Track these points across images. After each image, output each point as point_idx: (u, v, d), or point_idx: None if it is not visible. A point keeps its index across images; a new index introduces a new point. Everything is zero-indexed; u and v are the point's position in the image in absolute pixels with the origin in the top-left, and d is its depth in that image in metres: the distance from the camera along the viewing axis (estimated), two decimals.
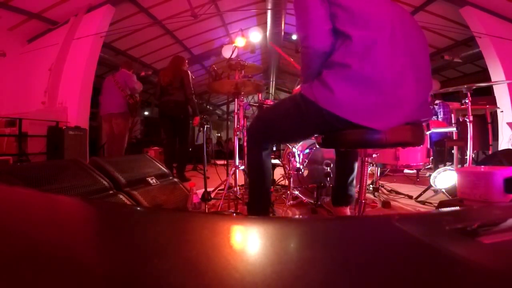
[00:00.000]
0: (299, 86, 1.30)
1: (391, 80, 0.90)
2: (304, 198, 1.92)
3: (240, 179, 2.13)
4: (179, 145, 3.35)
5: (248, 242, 0.31)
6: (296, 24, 1.02)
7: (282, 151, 2.76)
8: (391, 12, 0.96)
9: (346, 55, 0.91)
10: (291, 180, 1.90)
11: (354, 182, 1.47)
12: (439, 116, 3.55)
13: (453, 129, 3.00)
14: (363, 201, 1.15)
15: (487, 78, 4.58)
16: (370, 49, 0.90)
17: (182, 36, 6.31)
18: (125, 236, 0.31)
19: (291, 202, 1.91)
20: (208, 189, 1.74)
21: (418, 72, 0.96)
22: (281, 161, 2.28)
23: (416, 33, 0.99)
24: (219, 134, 12.15)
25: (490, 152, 3.83)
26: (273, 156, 2.41)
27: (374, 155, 1.14)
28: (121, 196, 1.34)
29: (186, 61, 3.46)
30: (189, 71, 3.31)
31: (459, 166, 3.28)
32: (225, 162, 3.27)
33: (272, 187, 2.41)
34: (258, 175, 1.27)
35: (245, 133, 2.04)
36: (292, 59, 1.90)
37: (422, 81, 0.97)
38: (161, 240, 0.29)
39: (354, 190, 1.49)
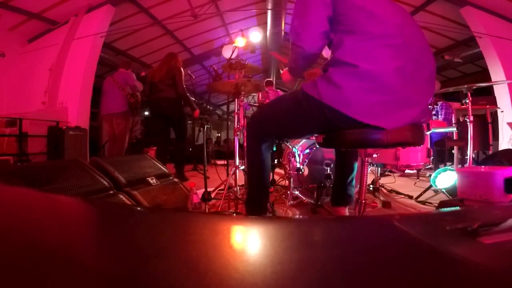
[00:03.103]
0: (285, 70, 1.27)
1: (398, 81, 0.90)
2: (304, 198, 1.91)
3: (240, 179, 2.13)
4: (178, 144, 3.27)
5: (248, 242, 0.31)
6: (292, 19, 1.03)
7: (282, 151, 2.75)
8: (398, 14, 0.96)
9: (352, 54, 0.91)
10: (291, 180, 1.90)
11: (354, 182, 1.47)
12: (440, 117, 3.55)
13: (453, 129, 3.00)
14: (363, 201, 1.14)
15: (487, 78, 4.57)
16: (376, 49, 0.89)
17: (182, 36, 6.30)
18: (125, 236, 0.31)
19: (291, 202, 1.91)
20: (208, 189, 1.74)
21: (425, 73, 0.96)
22: (281, 161, 2.28)
23: (420, 36, 1.00)
24: (219, 134, 12.15)
25: (490, 152, 3.83)
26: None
27: (374, 155, 1.14)
28: (121, 196, 1.34)
29: (178, 57, 3.30)
30: (182, 69, 3.20)
31: (460, 166, 3.28)
32: (225, 162, 3.27)
33: (272, 187, 2.41)
34: (257, 168, 1.27)
35: (245, 133, 2.04)
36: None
37: (429, 83, 0.98)
38: (161, 240, 0.29)
39: (354, 190, 1.48)
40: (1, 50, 3.51)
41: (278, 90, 4.48)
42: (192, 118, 3.34)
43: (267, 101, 2.19)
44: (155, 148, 5.16)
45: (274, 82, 4.57)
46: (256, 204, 1.29)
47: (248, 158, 1.32)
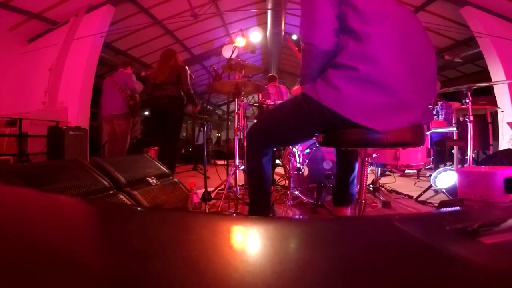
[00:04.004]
0: (297, 86, 1.27)
1: (399, 84, 0.89)
2: (304, 198, 1.91)
3: (240, 179, 2.13)
4: (169, 145, 3.16)
5: (248, 242, 0.31)
6: (300, 20, 0.99)
7: (282, 151, 2.75)
8: (400, 15, 0.95)
9: (352, 57, 0.90)
10: (291, 180, 1.90)
11: (356, 181, 1.46)
12: (440, 117, 3.55)
13: (453, 129, 3.00)
14: (363, 201, 1.14)
15: (488, 78, 4.57)
16: (378, 52, 0.89)
17: (182, 36, 6.30)
18: (125, 236, 0.31)
19: (291, 202, 1.91)
20: (208, 189, 1.74)
21: (425, 76, 0.95)
22: (281, 161, 2.28)
23: (423, 36, 0.99)
24: (219, 134, 12.16)
25: (490, 152, 3.83)
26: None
27: (374, 155, 1.14)
28: (121, 196, 1.34)
29: (177, 54, 3.22)
30: (186, 67, 3.15)
31: (460, 166, 3.28)
32: (225, 162, 3.26)
33: (272, 187, 2.41)
34: (258, 181, 1.26)
35: (245, 133, 2.04)
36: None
37: (428, 86, 0.97)
38: (161, 240, 0.29)
39: (355, 189, 1.48)
40: None
41: (282, 86, 4.27)
42: (192, 117, 3.31)
43: (267, 101, 2.18)
44: (156, 148, 5.16)
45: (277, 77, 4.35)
46: (258, 214, 1.29)
47: (249, 171, 1.31)
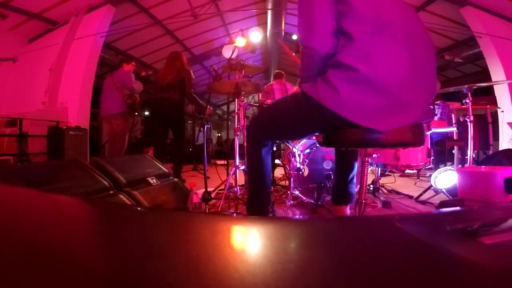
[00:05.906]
0: (297, 87, 1.26)
1: (398, 84, 0.89)
2: (304, 198, 1.91)
3: (241, 179, 2.13)
4: (176, 146, 3.23)
5: (248, 242, 0.31)
6: (298, 22, 0.98)
7: (282, 151, 2.75)
8: (401, 14, 0.94)
9: (352, 56, 0.89)
10: (291, 180, 1.90)
11: (355, 180, 1.46)
12: (436, 116, 3.53)
13: (453, 129, 3.00)
14: (364, 201, 1.14)
15: (488, 78, 4.57)
16: (378, 51, 0.88)
17: (182, 36, 6.30)
18: (125, 236, 0.31)
19: (291, 202, 1.91)
20: (209, 189, 1.74)
21: (425, 75, 0.95)
22: (281, 161, 2.28)
23: (423, 35, 0.98)
24: (219, 134, 12.16)
25: (490, 152, 3.83)
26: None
27: (374, 155, 1.14)
28: (121, 196, 1.34)
29: (183, 56, 3.26)
30: (191, 71, 3.18)
31: (460, 166, 3.28)
32: (225, 162, 3.27)
33: (272, 187, 2.41)
34: (258, 172, 1.26)
35: (245, 133, 2.04)
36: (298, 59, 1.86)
37: (429, 85, 0.97)
38: (161, 240, 0.29)
39: (355, 188, 1.48)
40: (14, 55, 3.55)
41: (288, 83, 4.16)
42: (192, 117, 3.33)
43: (267, 101, 2.18)
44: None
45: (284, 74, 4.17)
46: (257, 207, 1.29)
47: (249, 162, 1.31)
